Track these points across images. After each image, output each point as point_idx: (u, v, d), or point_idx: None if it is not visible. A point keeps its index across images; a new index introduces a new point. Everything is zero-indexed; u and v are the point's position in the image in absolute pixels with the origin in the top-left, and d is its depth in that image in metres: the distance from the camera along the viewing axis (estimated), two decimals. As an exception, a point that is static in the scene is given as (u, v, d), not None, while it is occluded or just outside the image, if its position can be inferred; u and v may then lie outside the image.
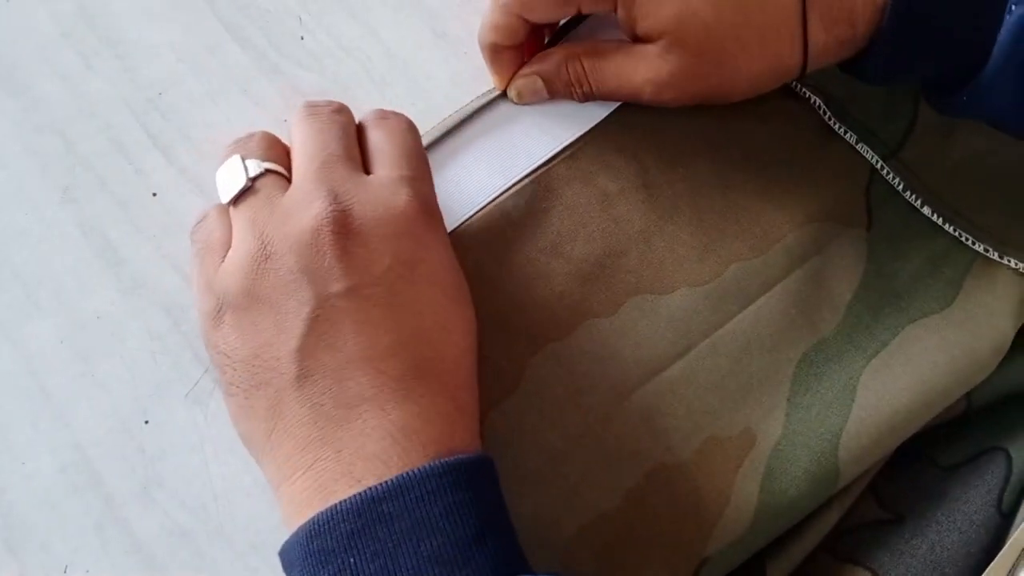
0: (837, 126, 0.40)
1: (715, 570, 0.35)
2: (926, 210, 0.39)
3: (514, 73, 0.40)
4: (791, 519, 0.36)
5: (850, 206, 0.39)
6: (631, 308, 0.37)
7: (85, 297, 0.38)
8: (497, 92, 0.40)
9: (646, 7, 0.35)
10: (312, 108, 0.35)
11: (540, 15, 0.37)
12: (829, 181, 0.39)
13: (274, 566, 0.34)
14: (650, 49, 0.36)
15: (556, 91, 0.39)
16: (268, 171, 0.33)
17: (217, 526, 0.35)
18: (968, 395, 0.39)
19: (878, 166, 0.40)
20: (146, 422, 0.36)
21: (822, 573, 0.37)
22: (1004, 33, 0.32)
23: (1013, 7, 0.32)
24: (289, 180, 0.33)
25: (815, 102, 0.40)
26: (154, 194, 0.39)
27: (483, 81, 0.41)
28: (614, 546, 0.35)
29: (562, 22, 0.41)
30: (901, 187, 0.39)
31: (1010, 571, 0.35)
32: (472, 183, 0.39)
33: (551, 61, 0.39)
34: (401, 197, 0.32)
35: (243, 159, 0.33)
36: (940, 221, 0.39)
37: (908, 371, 0.37)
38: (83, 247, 0.38)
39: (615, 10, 0.36)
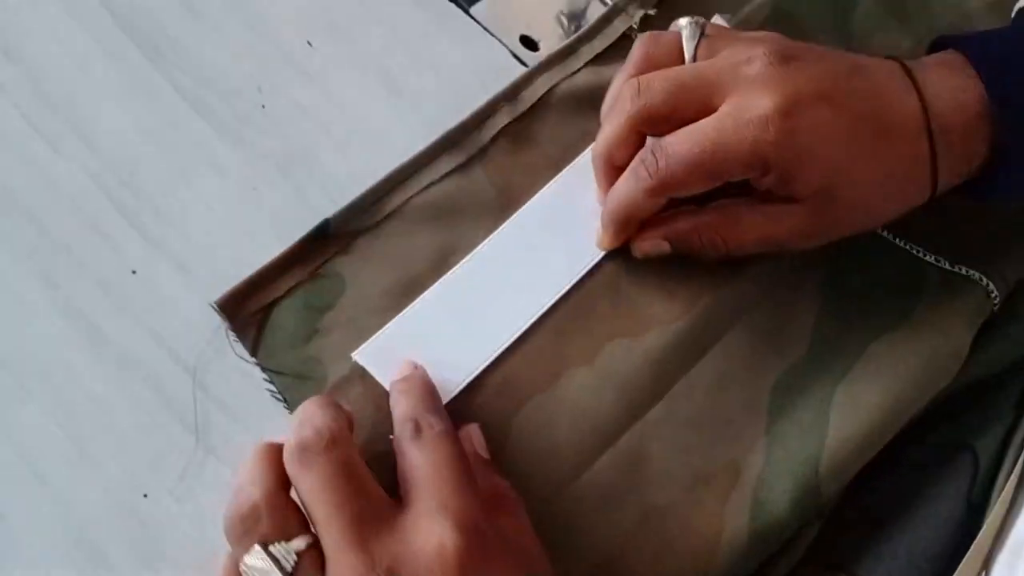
0: None
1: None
2: (876, 228, 0.41)
3: (628, 239, 0.39)
4: (781, 540, 0.38)
5: None
6: (608, 354, 0.38)
7: (74, 379, 0.38)
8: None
9: (798, 172, 0.36)
10: (303, 454, 0.30)
11: (687, 191, 0.37)
12: None
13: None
14: (795, 207, 0.37)
15: (682, 250, 0.39)
16: (299, 555, 0.29)
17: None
18: None
19: None
20: (145, 496, 0.37)
21: (810, 581, 0.39)
22: None
23: None
24: (315, 550, 0.30)
25: None
26: (133, 271, 0.40)
27: (439, 131, 0.42)
28: None
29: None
30: None
31: (985, 559, 0.37)
32: None
33: (679, 229, 0.38)
34: (441, 534, 0.29)
35: (265, 547, 0.29)
36: (891, 237, 0.41)
37: (876, 387, 0.38)
38: (67, 330, 0.39)
39: (763, 176, 0.36)
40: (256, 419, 0.38)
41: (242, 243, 0.41)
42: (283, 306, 0.39)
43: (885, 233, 0.41)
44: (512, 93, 0.43)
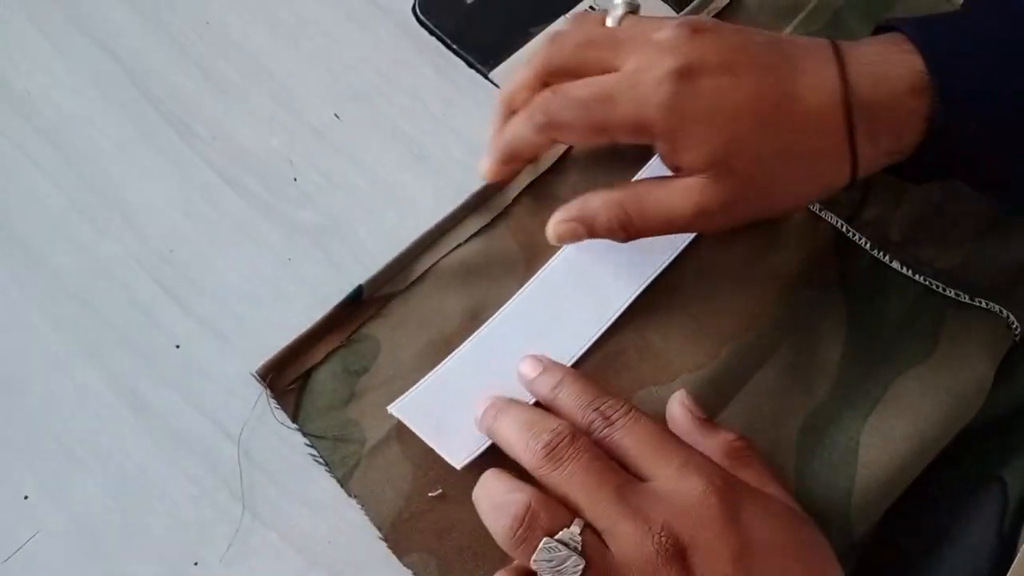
0: None
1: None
2: (895, 264, 0.42)
3: (512, 177, 0.42)
4: None
5: (823, 271, 0.42)
6: (639, 402, 0.40)
7: (124, 452, 0.40)
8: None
9: (690, 140, 0.35)
10: (552, 454, 0.34)
11: (572, 139, 0.39)
12: (799, 250, 0.42)
13: None
14: (698, 181, 0.36)
15: (597, 235, 0.39)
16: (583, 533, 0.32)
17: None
18: None
19: (842, 228, 0.42)
20: (195, 564, 0.38)
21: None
22: None
23: None
24: (591, 528, 0.32)
25: None
26: (177, 346, 0.42)
27: (465, 195, 0.44)
28: None
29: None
30: (868, 245, 0.42)
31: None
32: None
33: (589, 208, 0.38)
34: (697, 487, 0.32)
35: (553, 538, 0.32)
36: (909, 272, 0.42)
37: (902, 423, 0.39)
38: (117, 405, 0.41)
39: (654, 143, 0.36)
40: (300, 484, 0.39)
41: (280, 313, 0.42)
42: (321, 371, 0.40)
43: (904, 269, 0.42)
44: None
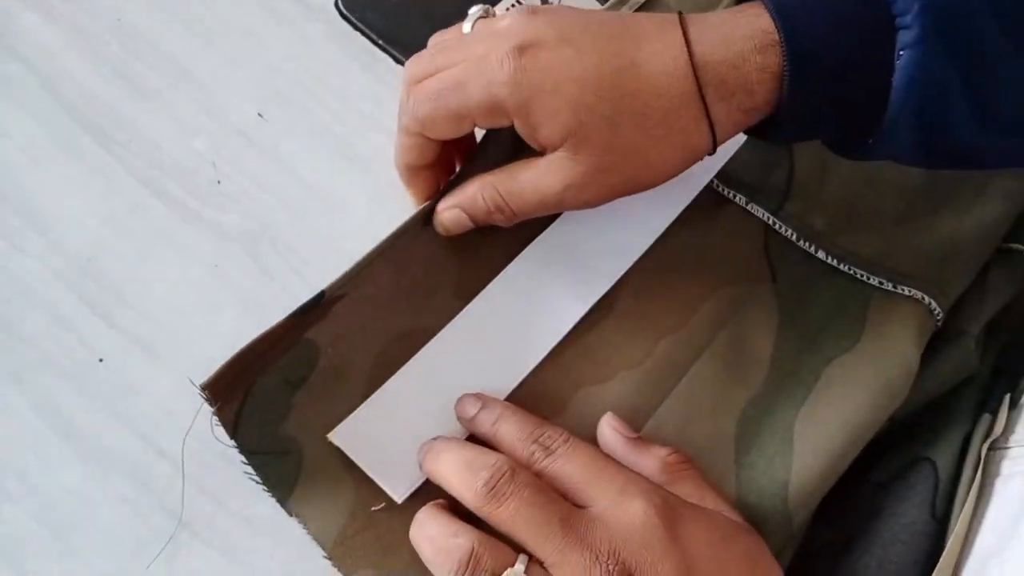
0: (726, 191, 0.43)
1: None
2: (820, 255, 0.43)
3: (431, 192, 0.41)
4: None
5: (753, 264, 0.43)
6: (579, 401, 0.39)
7: (50, 475, 0.39)
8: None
9: (542, 114, 0.35)
10: (494, 491, 0.33)
11: (440, 132, 0.38)
12: (728, 244, 0.43)
13: None
14: (558, 155, 0.36)
15: (479, 219, 0.39)
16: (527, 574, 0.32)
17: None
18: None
19: (770, 222, 0.43)
20: (132, 587, 0.37)
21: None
22: (896, 80, 0.34)
23: (901, 52, 0.34)
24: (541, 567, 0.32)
25: None
26: (100, 360, 0.40)
27: (400, 193, 0.43)
28: None
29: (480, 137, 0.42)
30: (794, 237, 0.43)
31: (953, 570, 0.38)
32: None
33: (466, 192, 0.39)
34: (636, 509, 0.33)
35: None
36: (835, 263, 0.43)
37: (834, 413, 0.40)
38: (40, 426, 0.39)
39: (508, 122, 0.37)
40: (239, 499, 0.39)
41: (209, 322, 0.41)
42: (261, 383, 0.38)
43: (830, 259, 0.43)
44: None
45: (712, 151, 0.37)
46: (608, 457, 0.36)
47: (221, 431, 0.38)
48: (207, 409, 0.38)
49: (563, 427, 0.38)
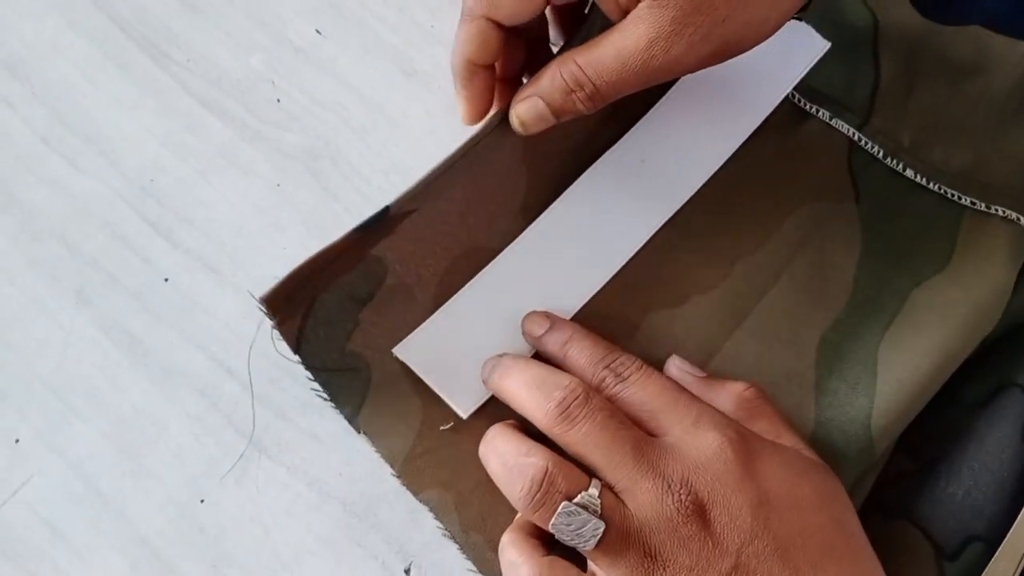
0: (808, 106, 0.41)
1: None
2: (908, 172, 0.40)
3: (486, 102, 0.38)
4: None
5: (835, 182, 0.40)
6: (649, 326, 0.38)
7: (119, 393, 0.38)
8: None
9: None
10: (567, 412, 0.32)
11: (508, 11, 0.35)
12: (810, 161, 0.40)
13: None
14: (642, 6, 0.33)
15: (557, 104, 0.35)
16: (602, 499, 0.31)
17: (291, 590, 0.36)
18: None
19: (855, 137, 0.41)
20: (202, 501, 0.37)
21: (870, 531, 0.39)
22: None
23: None
24: (610, 489, 0.32)
25: None
26: (166, 279, 0.40)
27: (454, 110, 0.42)
28: None
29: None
30: (880, 154, 0.40)
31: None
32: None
33: (542, 75, 0.35)
34: (711, 440, 0.32)
35: (572, 502, 0.31)
36: (923, 181, 0.40)
37: (921, 338, 0.38)
38: (107, 346, 0.39)
39: None
40: (307, 417, 0.38)
41: (272, 241, 0.41)
42: (326, 299, 0.37)
43: (918, 177, 0.40)
44: None
45: (807, 5, 0.34)
46: (682, 388, 0.35)
47: (285, 347, 0.38)
48: (270, 325, 0.38)
49: (634, 350, 0.37)
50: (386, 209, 0.37)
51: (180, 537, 0.36)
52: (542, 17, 0.39)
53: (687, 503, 0.30)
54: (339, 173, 0.42)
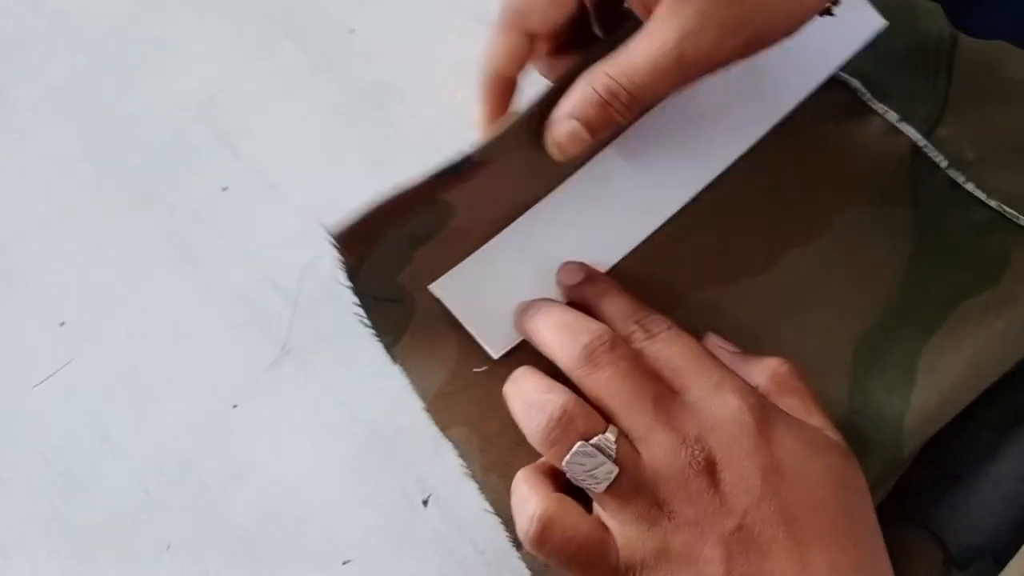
0: (876, 106, 0.42)
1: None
2: (969, 186, 0.41)
3: (502, 111, 0.38)
4: None
5: (895, 185, 0.41)
6: (694, 303, 0.39)
7: (165, 292, 0.39)
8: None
9: None
10: (591, 357, 0.33)
11: (538, 18, 0.35)
12: (872, 160, 0.41)
13: (364, 547, 0.36)
14: (664, 6, 0.33)
15: (593, 119, 0.35)
16: (617, 444, 0.31)
17: (308, 507, 0.37)
18: None
19: (921, 144, 0.41)
20: (234, 407, 0.38)
21: (884, 533, 0.39)
22: None
23: None
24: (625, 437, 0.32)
25: (853, 84, 0.42)
26: (224, 188, 0.40)
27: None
28: None
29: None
30: (945, 164, 0.41)
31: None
32: None
33: (572, 94, 0.35)
34: (731, 404, 0.32)
35: (588, 443, 0.31)
36: (984, 197, 0.41)
37: (964, 349, 0.38)
38: (159, 244, 0.40)
39: None
40: (344, 339, 0.39)
41: (332, 164, 0.41)
42: (388, 237, 0.37)
43: (978, 192, 0.41)
44: None
45: (824, 12, 0.35)
46: (710, 352, 0.35)
47: (338, 272, 0.38)
48: (326, 249, 0.38)
49: (680, 321, 0.38)
50: (467, 158, 0.37)
51: (207, 436, 0.37)
52: (579, 21, 0.39)
53: (699, 459, 0.31)
54: (405, 110, 0.42)
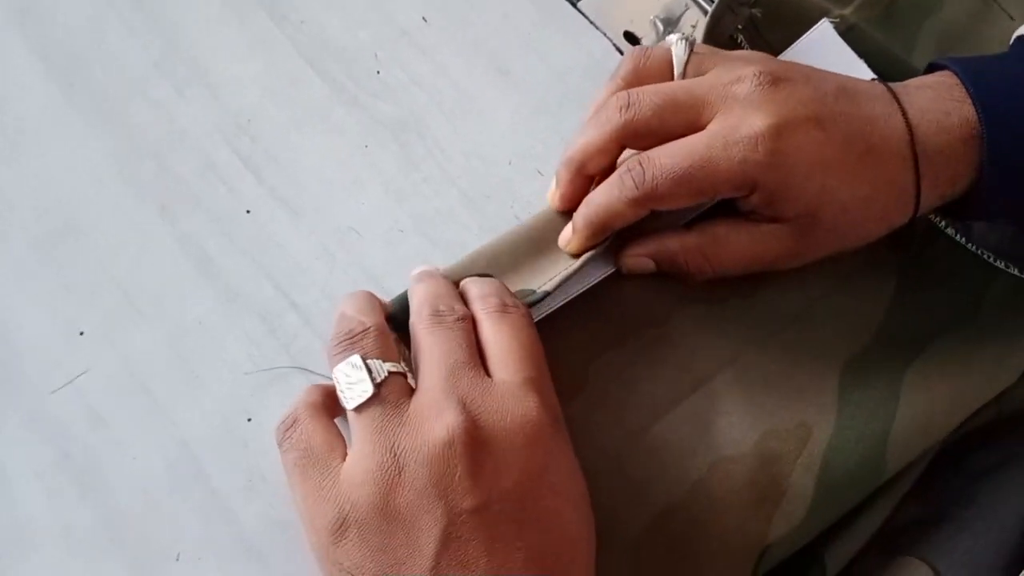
0: None
1: (776, 556, 0.38)
2: (949, 231, 0.43)
3: (576, 203, 0.39)
4: (843, 508, 0.39)
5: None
6: (683, 317, 0.40)
7: (185, 305, 0.40)
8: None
9: (789, 194, 0.36)
10: (437, 316, 0.34)
11: (671, 206, 0.37)
12: None
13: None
14: (783, 228, 0.37)
15: (667, 267, 0.39)
16: (391, 374, 0.33)
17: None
18: (998, 402, 0.43)
19: None
20: (248, 420, 0.38)
21: (876, 566, 0.40)
22: None
23: None
24: (406, 379, 0.33)
25: None
26: (247, 211, 0.42)
27: (542, 115, 0.45)
28: (683, 538, 0.38)
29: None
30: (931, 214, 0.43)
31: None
32: None
33: (667, 248, 0.39)
34: (529, 404, 0.32)
35: (364, 360, 0.32)
36: (962, 240, 0.43)
37: (945, 377, 0.40)
38: (181, 259, 0.41)
39: (748, 196, 0.37)
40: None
41: (351, 195, 0.43)
42: None
43: (958, 236, 0.43)
44: None
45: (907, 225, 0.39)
46: (544, 358, 0.35)
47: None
48: (339, 270, 0.40)
49: (664, 339, 0.40)
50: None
51: (221, 447, 0.38)
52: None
53: (468, 431, 0.31)
54: (423, 146, 0.44)
